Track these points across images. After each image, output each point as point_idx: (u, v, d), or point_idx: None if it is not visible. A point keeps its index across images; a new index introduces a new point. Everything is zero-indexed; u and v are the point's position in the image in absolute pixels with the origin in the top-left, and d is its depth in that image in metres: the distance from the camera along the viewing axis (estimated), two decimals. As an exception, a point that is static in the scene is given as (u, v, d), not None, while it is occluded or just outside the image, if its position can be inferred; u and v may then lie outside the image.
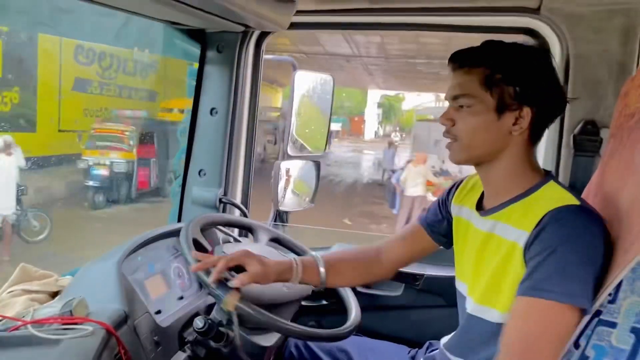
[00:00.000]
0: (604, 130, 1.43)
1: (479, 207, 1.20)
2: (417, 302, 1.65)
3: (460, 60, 1.12)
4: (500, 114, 1.07)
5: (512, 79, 1.07)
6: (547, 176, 1.12)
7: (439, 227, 1.34)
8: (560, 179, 1.49)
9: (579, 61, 1.46)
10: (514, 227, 1.07)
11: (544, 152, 1.56)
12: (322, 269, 1.31)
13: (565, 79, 1.48)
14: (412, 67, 15.00)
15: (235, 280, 1.16)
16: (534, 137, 1.12)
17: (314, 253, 1.39)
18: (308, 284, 1.34)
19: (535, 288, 0.98)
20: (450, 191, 1.33)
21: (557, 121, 1.51)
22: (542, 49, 1.13)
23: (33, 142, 9.43)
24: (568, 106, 1.47)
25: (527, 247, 1.03)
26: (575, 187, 1.43)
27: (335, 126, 26.79)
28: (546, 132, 1.53)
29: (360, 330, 1.47)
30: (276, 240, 1.64)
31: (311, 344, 1.48)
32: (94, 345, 0.91)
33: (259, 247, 1.55)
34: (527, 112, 1.07)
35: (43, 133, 10.22)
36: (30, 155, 7.94)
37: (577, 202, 1.04)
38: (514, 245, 1.06)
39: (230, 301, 1.14)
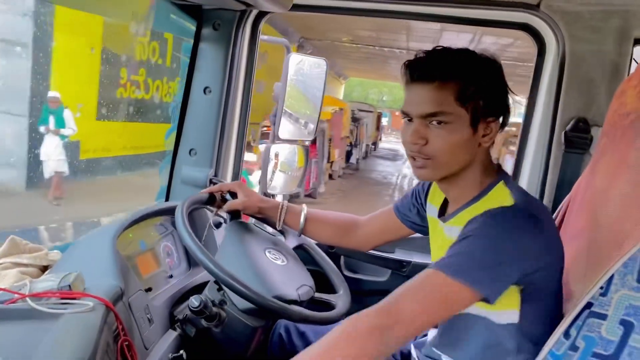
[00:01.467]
0: (594, 128, 1.47)
1: (442, 211, 1.22)
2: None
3: (429, 73, 1.04)
4: (474, 128, 1.05)
5: (482, 91, 1.04)
6: (499, 177, 1.11)
7: (411, 216, 1.36)
8: (550, 175, 1.52)
9: (574, 59, 1.50)
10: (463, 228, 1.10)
11: (534, 149, 1.59)
12: (302, 217, 1.43)
13: (560, 77, 1.52)
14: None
15: (225, 206, 1.42)
16: (491, 143, 1.12)
17: (304, 206, 1.48)
18: (288, 227, 1.47)
19: (437, 263, 0.99)
20: (424, 186, 1.33)
21: (549, 118, 1.55)
22: (491, 58, 1.09)
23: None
24: (561, 104, 1.52)
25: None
26: (564, 183, 1.47)
27: (382, 121, 27.29)
28: (536, 129, 1.59)
29: (348, 314, 1.49)
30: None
31: (301, 326, 1.49)
32: (95, 320, 0.90)
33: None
34: (495, 123, 1.07)
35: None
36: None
37: (510, 203, 1.04)
38: None
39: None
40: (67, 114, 6.78)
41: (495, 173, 1.12)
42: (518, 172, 1.64)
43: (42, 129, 6.46)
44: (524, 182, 1.60)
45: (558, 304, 1.11)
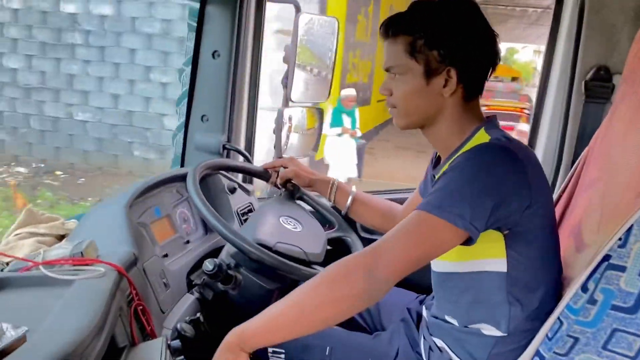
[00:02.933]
0: (616, 76, 1.41)
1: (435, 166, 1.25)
2: None
3: (385, 29, 1.12)
4: (428, 79, 1.09)
5: (434, 43, 1.07)
6: (481, 125, 1.12)
7: (429, 190, 1.34)
8: (570, 126, 1.48)
9: (593, 5, 1.43)
10: None
11: (553, 99, 1.54)
12: (350, 198, 1.49)
13: (579, 24, 1.45)
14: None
15: (275, 175, 1.57)
16: (468, 93, 1.12)
17: (353, 187, 1.55)
18: (336, 205, 1.53)
19: (421, 204, 1.01)
20: (433, 158, 1.33)
21: (568, 67, 1.49)
22: (468, 2, 1.10)
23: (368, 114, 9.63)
24: (580, 52, 1.46)
25: None
26: (585, 134, 1.42)
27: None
28: (556, 79, 1.53)
29: None
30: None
31: None
32: (106, 285, 0.91)
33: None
34: (453, 73, 1.08)
35: (374, 105, 10.58)
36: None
37: (486, 140, 1.07)
38: None
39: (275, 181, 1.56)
40: (357, 114, 6.52)
41: (479, 120, 1.14)
42: (537, 124, 1.59)
43: (336, 130, 6.25)
44: (543, 134, 1.56)
45: (549, 249, 1.10)
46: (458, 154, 1.11)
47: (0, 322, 0.73)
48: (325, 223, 1.55)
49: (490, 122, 1.14)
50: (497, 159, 1.01)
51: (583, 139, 1.44)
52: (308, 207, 1.60)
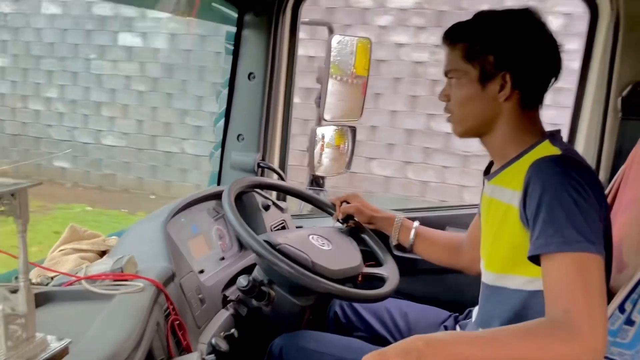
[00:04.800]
0: None
1: (487, 172, 1.23)
2: None
3: (445, 37, 1.16)
4: (484, 84, 1.10)
5: (489, 48, 1.09)
6: (545, 137, 1.11)
7: None
8: (606, 144, 1.45)
9: (629, 21, 1.41)
10: (507, 189, 1.10)
11: (588, 117, 1.52)
12: (412, 234, 1.47)
13: (615, 41, 1.43)
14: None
15: (339, 210, 1.54)
16: (525, 101, 1.11)
17: (416, 222, 1.50)
18: (400, 242, 1.50)
19: (541, 245, 0.96)
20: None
21: (604, 84, 1.47)
22: (525, 10, 1.11)
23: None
24: (616, 69, 1.44)
25: (521, 207, 1.03)
26: (622, 152, 1.39)
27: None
28: (591, 96, 1.52)
29: (400, 294, 1.49)
30: (312, 202, 1.66)
31: (356, 304, 1.50)
32: (145, 300, 0.95)
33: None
34: (508, 77, 1.08)
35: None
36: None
37: (558, 152, 1.05)
38: (509, 208, 1.08)
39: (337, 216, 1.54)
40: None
41: (537, 133, 1.13)
42: (572, 143, 1.57)
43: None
44: (578, 151, 1.53)
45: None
46: (518, 164, 1.10)
47: (44, 333, 0.76)
48: (375, 261, 1.51)
49: (553, 135, 1.12)
50: (581, 172, 0.99)
51: (620, 157, 1.42)
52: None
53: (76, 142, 6.23)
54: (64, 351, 0.76)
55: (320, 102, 1.88)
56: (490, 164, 1.24)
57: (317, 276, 1.23)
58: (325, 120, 1.91)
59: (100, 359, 0.73)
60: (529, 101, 1.12)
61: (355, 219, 1.54)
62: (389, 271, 1.42)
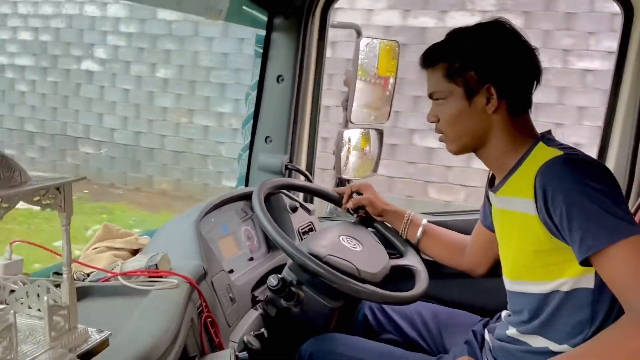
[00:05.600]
0: None
1: (492, 185, 1.23)
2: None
3: (423, 59, 1.18)
4: (470, 100, 1.12)
5: (470, 64, 1.11)
6: (537, 140, 1.12)
7: (489, 217, 1.33)
8: None
9: None
10: (518, 198, 1.09)
11: (621, 124, 1.50)
12: (420, 231, 1.49)
13: None
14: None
15: (350, 202, 1.55)
16: (513, 108, 1.13)
17: (425, 220, 1.52)
18: (407, 238, 1.51)
19: (590, 246, 0.94)
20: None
21: (638, 84, 1.45)
22: (496, 22, 1.13)
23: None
24: None
25: (544, 215, 1.02)
26: None
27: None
28: (625, 96, 1.49)
29: (431, 297, 1.49)
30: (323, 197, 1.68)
31: (386, 306, 1.50)
32: (179, 296, 0.96)
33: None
34: (492, 89, 1.10)
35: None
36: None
37: (560, 153, 1.04)
38: (526, 217, 1.07)
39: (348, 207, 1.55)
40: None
41: (531, 137, 1.13)
42: (607, 140, 1.54)
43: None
44: (611, 161, 1.51)
45: None
46: (520, 172, 1.11)
47: (86, 326, 0.78)
48: (393, 250, 1.53)
49: (545, 137, 1.14)
50: (585, 168, 1.00)
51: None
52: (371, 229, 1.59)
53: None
54: (105, 343, 0.77)
55: (347, 104, 1.89)
56: (493, 176, 1.24)
57: (363, 284, 1.25)
58: (353, 123, 1.92)
59: (139, 351, 0.75)
60: (518, 107, 1.14)
61: (367, 210, 1.55)
62: (415, 261, 1.46)
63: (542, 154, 1.07)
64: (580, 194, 0.95)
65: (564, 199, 0.97)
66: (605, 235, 0.92)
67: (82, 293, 0.96)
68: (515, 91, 1.13)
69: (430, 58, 1.17)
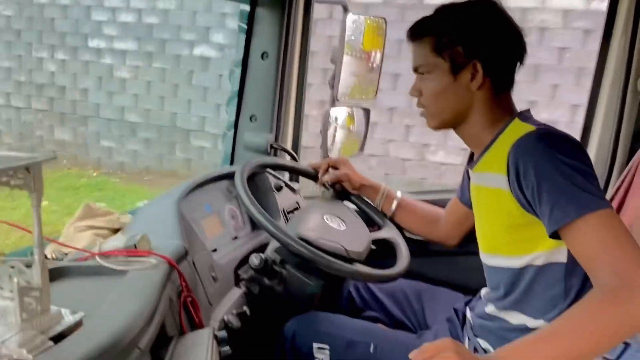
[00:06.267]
0: None
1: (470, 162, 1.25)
2: (470, 249, 1.64)
3: (411, 32, 1.18)
4: (455, 75, 1.13)
5: (458, 39, 1.12)
6: (514, 116, 1.13)
7: (467, 193, 1.35)
8: (625, 126, 1.43)
9: None
10: (491, 173, 1.11)
11: (606, 98, 1.49)
12: (395, 204, 1.52)
13: (636, 20, 1.40)
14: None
15: (327, 175, 1.55)
16: (497, 86, 1.14)
17: (399, 192, 1.55)
18: (382, 210, 1.55)
19: (558, 219, 0.95)
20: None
21: (623, 64, 1.44)
22: (485, 1, 1.14)
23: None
24: (637, 48, 1.41)
25: (516, 190, 1.03)
26: None
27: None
28: (610, 77, 1.48)
29: (414, 275, 1.50)
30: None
31: (370, 284, 1.52)
32: (158, 276, 0.95)
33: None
34: (479, 66, 1.11)
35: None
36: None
37: (532, 128, 1.06)
38: (499, 192, 1.08)
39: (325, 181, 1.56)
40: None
41: (509, 114, 1.14)
42: (589, 124, 1.54)
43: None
44: (596, 134, 1.51)
45: None
46: (494, 148, 1.12)
47: (59, 307, 0.77)
48: (371, 224, 1.55)
49: (522, 114, 1.15)
50: (559, 142, 1.01)
51: (638, 139, 1.39)
52: (353, 207, 1.60)
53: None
54: (78, 324, 0.77)
55: (334, 82, 1.87)
56: (472, 154, 1.25)
57: (352, 264, 1.27)
58: (339, 101, 1.90)
59: (113, 332, 0.74)
60: (501, 86, 1.14)
61: (344, 185, 1.56)
62: (393, 233, 1.49)
63: (516, 130, 1.08)
64: (551, 168, 0.96)
65: (535, 173, 0.97)
66: (573, 209, 0.92)
67: (59, 273, 0.95)
68: (500, 69, 1.13)
69: (418, 31, 1.17)
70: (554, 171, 0.95)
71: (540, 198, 0.97)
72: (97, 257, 0.99)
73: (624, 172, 1.29)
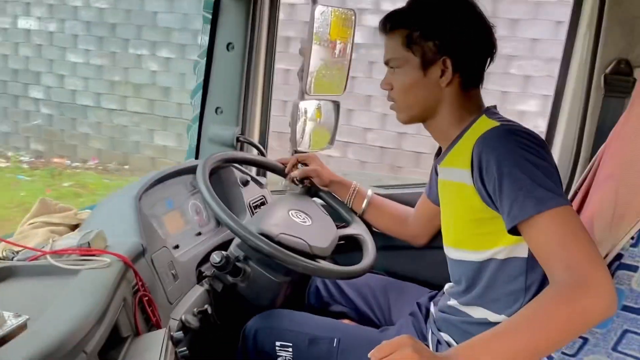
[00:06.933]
0: (637, 70, 1.37)
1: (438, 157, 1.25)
2: (436, 244, 1.64)
3: (383, 24, 1.17)
4: (425, 70, 1.12)
5: (430, 34, 1.11)
6: (481, 113, 1.13)
7: (435, 190, 1.35)
8: (589, 121, 1.44)
9: None
10: (456, 168, 1.11)
11: (571, 94, 1.50)
12: (365, 202, 1.50)
13: (600, 16, 1.40)
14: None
15: (296, 171, 1.53)
16: (466, 83, 1.13)
17: (369, 191, 1.54)
18: (351, 209, 1.53)
19: (516, 215, 0.95)
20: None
21: (588, 60, 1.45)
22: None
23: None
24: (600, 45, 1.42)
25: (479, 184, 1.03)
26: (604, 129, 1.38)
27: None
28: (575, 72, 1.49)
29: (381, 270, 1.49)
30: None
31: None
32: (111, 275, 0.92)
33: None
34: (449, 62, 1.11)
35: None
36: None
37: (497, 124, 1.06)
38: (461, 186, 1.09)
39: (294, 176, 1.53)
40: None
41: (477, 110, 1.15)
42: (555, 119, 1.55)
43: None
44: (561, 128, 1.52)
45: None
46: (460, 143, 1.12)
47: (2, 310, 0.74)
48: (339, 220, 1.53)
49: (489, 110, 1.15)
50: (523, 137, 1.00)
51: (602, 135, 1.41)
52: (320, 201, 1.59)
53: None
54: (21, 327, 0.73)
55: (302, 75, 1.84)
56: (440, 149, 1.25)
57: (315, 261, 1.25)
58: (308, 94, 1.87)
59: (57, 335, 0.71)
60: (470, 82, 1.14)
61: (313, 181, 1.54)
62: (361, 229, 1.47)
63: (482, 126, 1.08)
64: (512, 164, 0.96)
65: (497, 169, 0.97)
66: (531, 205, 0.92)
67: (6, 273, 0.91)
68: (470, 66, 1.13)
69: (391, 23, 1.16)
70: (515, 167, 0.95)
71: (501, 194, 0.97)
72: (48, 256, 0.96)
73: (587, 167, 1.29)
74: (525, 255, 1.07)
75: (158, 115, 5.58)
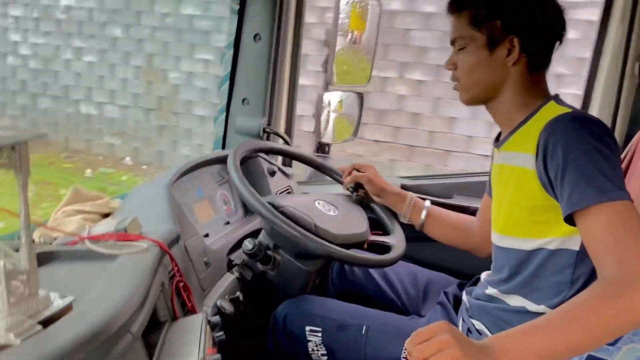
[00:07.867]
0: None
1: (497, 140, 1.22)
2: None
3: (450, 5, 1.16)
4: (491, 49, 1.11)
5: (496, 13, 1.09)
6: (549, 98, 1.11)
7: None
8: (622, 110, 1.42)
9: None
10: (519, 152, 1.09)
11: (604, 82, 1.48)
12: (424, 214, 1.44)
13: (634, 4, 1.38)
14: None
15: (349, 177, 1.51)
16: (533, 64, 1.11)
17: (427, 201, 1.47)
18: (410, 221, 1.47)
19: (575, 202, 0.93)
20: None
21: (621, 48, 1.43)
22: None
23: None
24: (635, 31, 1.39)
25: (541, 169, 1.01)
26: (638, 118, 1.36)
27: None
28: (607, 61, 1.47)
29: (409, 259, 1.48)
30: (320, 169, 1.63)
31: None
32: (149, 261, 0.93)
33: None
34: (516, 41, 1.09)
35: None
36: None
37: (568, 110, 1.04)
38: (524, 171, 1.06)
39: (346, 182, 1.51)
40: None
41: (543, 96, 1.12)
42: (586, 107, 1.52)
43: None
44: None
45: None
46: (526, 128, 1.10)
47: (48, 291, 0.75)
48: (382, 230, 1.50)
49: (557, 97, 1.12)
50: (592, 127, 0.98)
51: (636, 123, 1.38)
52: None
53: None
54: (68, 308, 0.74)
55: (327, 66, 1.84)
56: (499, 134, 1.22)
57: (319, 239, 1.22)
58: (333, 86, 1.87)
59: (104, 316, 0.72)
60: (537, 64, 1.12)
61: (365, 188, 1.50)
62: (396, 240, 1.41)
63: (551, 112, 1.05)
64: (579, 150, 0.94)
65: (563, 154, 0.96)
66: (592, 194, 0.91)
67: (47, 258, 0.92)
68: (538, 47, 1.11)
69: (457, 3, 1.14)
70: (581, 154, 0.94)
71: (562, 179, 0.95)
72: (86, 241, 0.97)
73: (621, 158, 1.27)
74: (577, 248, 1.04)
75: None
